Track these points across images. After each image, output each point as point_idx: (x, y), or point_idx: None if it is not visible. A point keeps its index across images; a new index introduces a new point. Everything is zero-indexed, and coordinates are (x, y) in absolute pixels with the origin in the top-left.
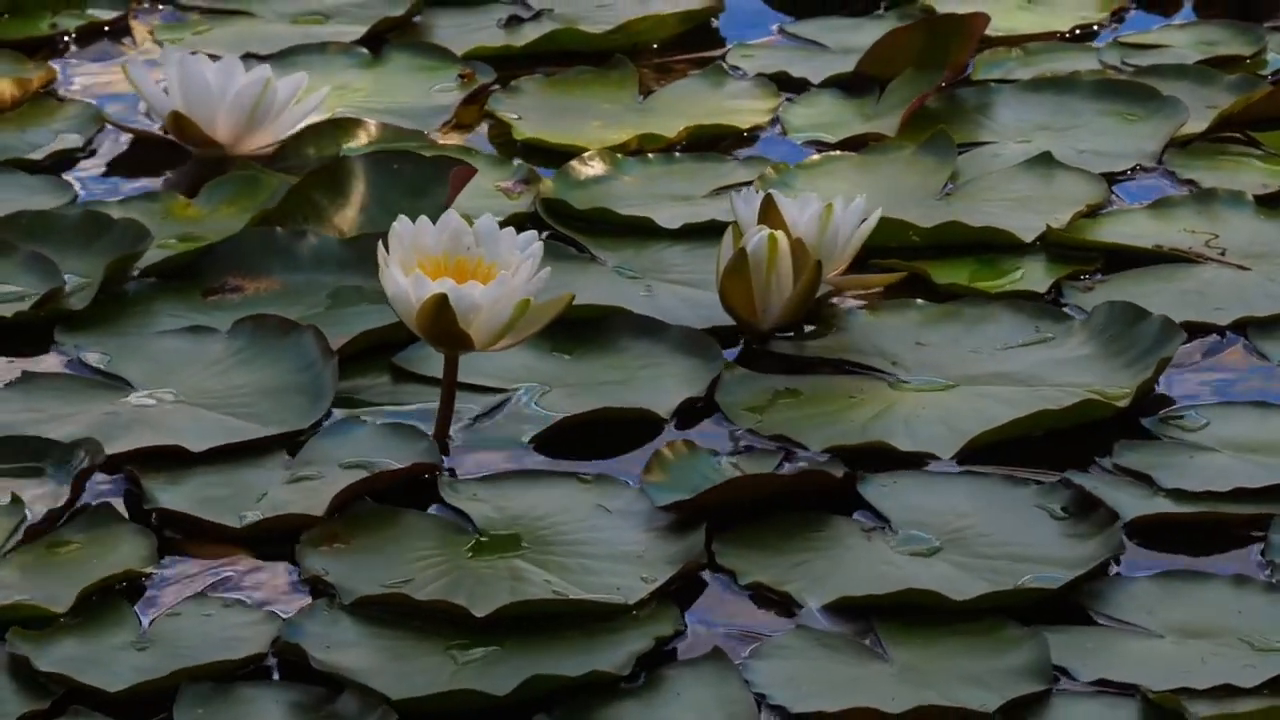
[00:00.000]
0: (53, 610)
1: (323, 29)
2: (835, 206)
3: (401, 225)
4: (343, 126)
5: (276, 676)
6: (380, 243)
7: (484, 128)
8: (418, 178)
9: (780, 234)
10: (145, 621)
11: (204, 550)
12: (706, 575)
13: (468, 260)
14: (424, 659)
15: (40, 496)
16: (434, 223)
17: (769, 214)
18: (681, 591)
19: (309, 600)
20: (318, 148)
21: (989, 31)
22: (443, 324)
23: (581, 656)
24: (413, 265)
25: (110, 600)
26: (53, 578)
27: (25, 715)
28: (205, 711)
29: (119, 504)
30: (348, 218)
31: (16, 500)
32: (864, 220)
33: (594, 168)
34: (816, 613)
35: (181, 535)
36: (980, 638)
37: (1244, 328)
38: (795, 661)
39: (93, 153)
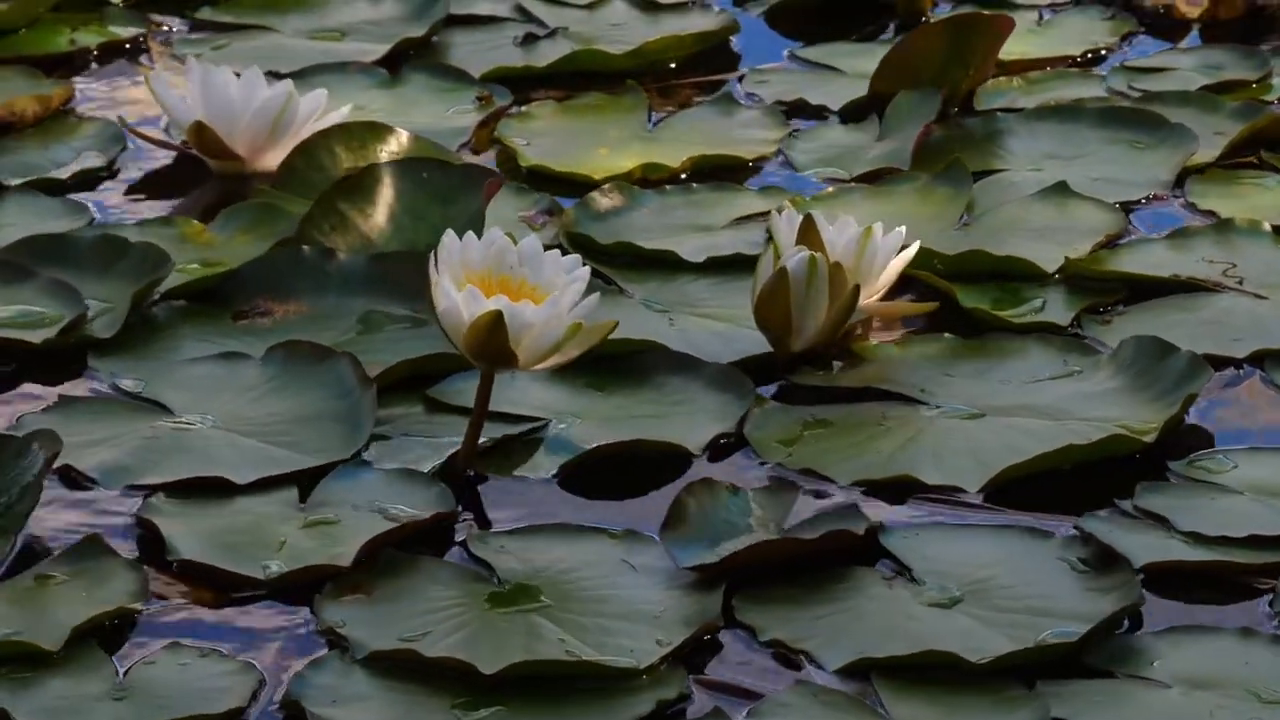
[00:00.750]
0: (42, 648)
1: (341, 46)
2: (875, 231)
3: (450, 240)
4: (359, 135)
5: None
6: (431, 258)
7: (492, 152)
8: (446, 187)
9: (820, 255)
10: (120, 670)
11: (196, 592)
12: (724, 630)
13: (511, 279)
14: (429, 717)
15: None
16: (477, 237)
17: (808, 235)
18: (694, 652)
19: (321, 652)
20: (333, 162)
21: (1000, 56)
22: (493, 341)
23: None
24: (461, 281)
25: (87, 643)
26: (42, 613)
27: None
28: None
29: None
30: (375, 227)
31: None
32: (904, 248)
33: (612, 199)
34: (826, 673)
35: (194, 580)
36: (982, 697)
37: (1261, 360)
38: (794, 719)
39: (115, 173)
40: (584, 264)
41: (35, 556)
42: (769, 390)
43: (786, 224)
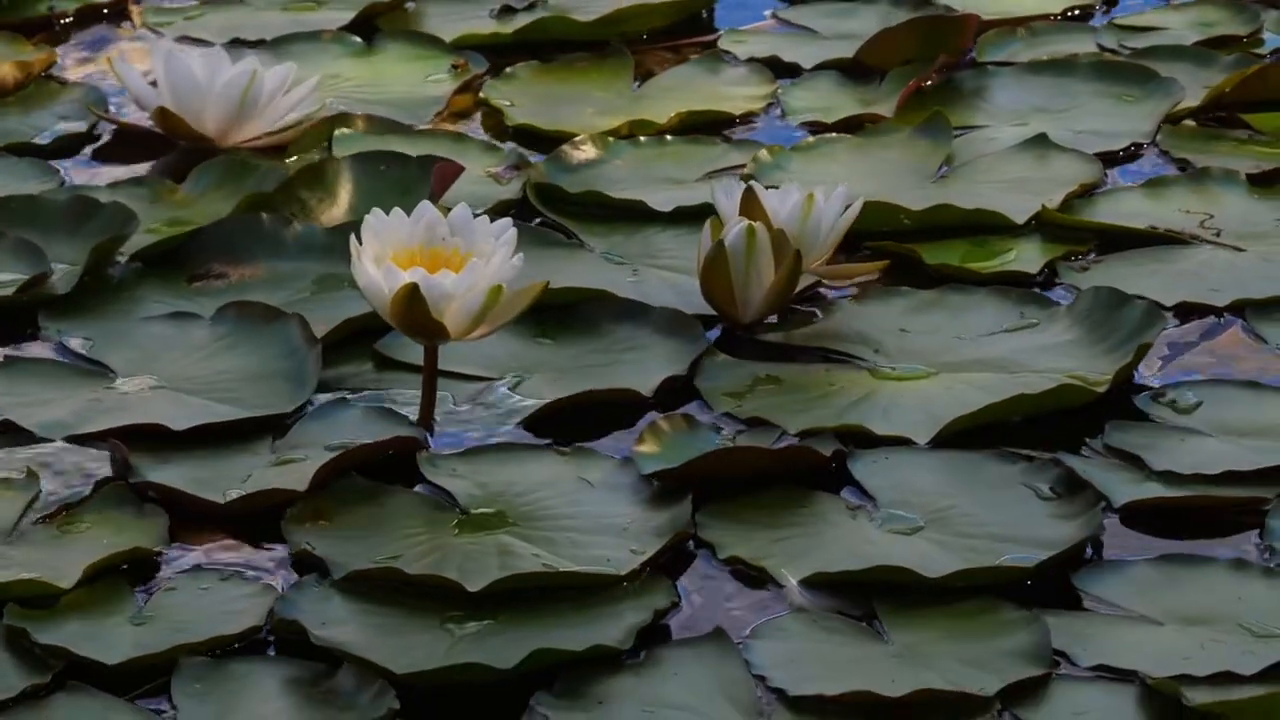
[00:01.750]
0: (58, 586)
1: (314, 15)
2: (816, 196)
3: (374, 217)
4: (335, 123)
5: (273, 651)
6: (352, 235)
7: (478, 116)
8: (405, 177)
9: (759, 225)
10: (143, 598)
11: (196, 532)
12: (692, 548)
13: (443, 251)
14: (419, 634)
15: None
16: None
17: (750, 206)
18: (670, 564)
19: (298, 576)
20: (309, 146)
21: (986, 15)
22: (416, 314)
23: (579, 629)
24: (387, 257)
25: (111, 579)
26: (62, 554)
27: (27, 689)
28: (203, 686)
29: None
30: (334, 216)
31: (32, 474)
32: (847, 208)
33: (586, 151)
34: (799, 590)
35: (171, 514)
36: (980, 621)
37: (1241, 310)
38: (795, 643)
39: (98, 136)
40: (528, 224)
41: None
42: (719, 339)
43: (726, 196)
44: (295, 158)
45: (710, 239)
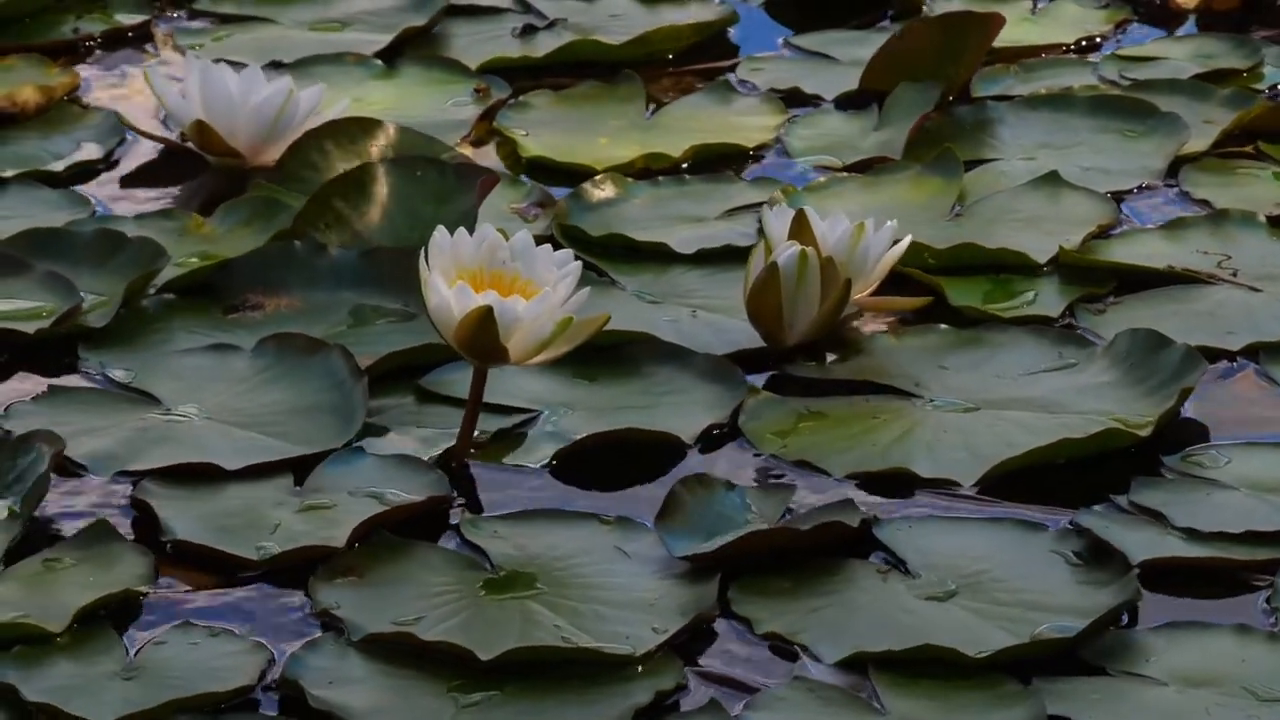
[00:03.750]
0: (48, 629)
1: (342, 36)
2: (867, 226)
3: (441, 236)
4: (355, 131)
5: (274, 709)
6: (421, 255)
7: (493, 144)
8: (441, 185)
9: (811, 250)
10: (132, 647)
11: (201, 576)
12: (720, 621)
13: (503, 274)
14: (425, 700)
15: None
16: (469, 233)
17: (800, 230)
18: (690, 641)
19: (316, 634)
20: (334, 157)
21: (994, 43)
22: (484, 336)
23: (582, 707)
24: (452, 277)
25: (98, 623)
26: (49, 596)
27: None
28: None
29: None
30: (370, 224)
31: (12, 513)
32: (895, 243)
33: (605, 191)
34: (823, 666)
35: (191, 562)
36: (978, 693)
37: (1255, 353)
38: (792, 714)
39: (113, 164)
40: (575, 258)
41: (38, 543)
42: (761, 380)
43: (778, 219)
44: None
45: (762, 260)
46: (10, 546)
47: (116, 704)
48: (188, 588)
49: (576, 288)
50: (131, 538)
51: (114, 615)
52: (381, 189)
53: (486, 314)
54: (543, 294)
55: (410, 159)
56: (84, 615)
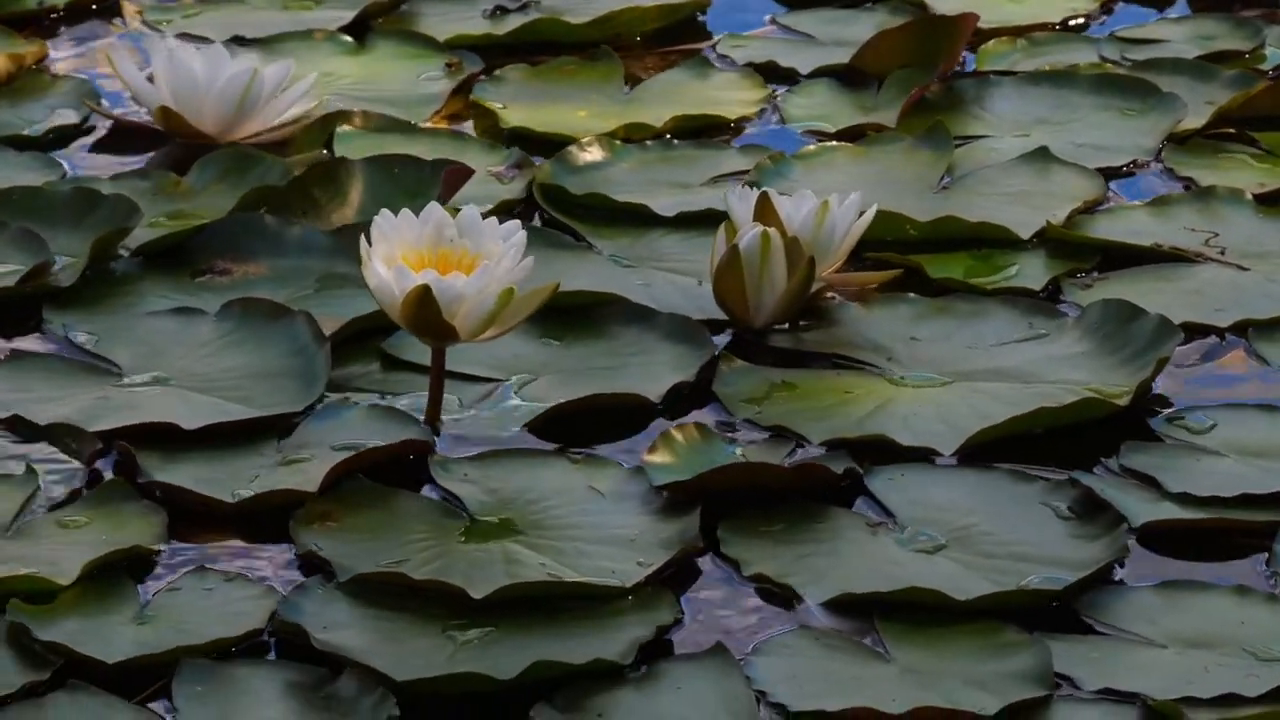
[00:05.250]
0: (57, 583)
1: (313, 15)
2: (831, 203)
3: (383, 218)
4: (333, 120)
5: (274, 655)
6: (362, 236)
7: (470, 118)
8: (416, 179)
9: (773, 231)
10: (146, 596)
11: (200, 531)
12: (705, 562)
13: (451, 252)
14: (421, 640)
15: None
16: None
17: (764, 211)
18: (676, 577)
19: (303, 578)
20: (308, 142)
21: (986, 24)
22: (427, 315)
23: (581, 641)
24: (396, 258)
25: (114, 576)
26: (62, 552)
27: (25, 685)
28: (204, 689)
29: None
30: (344, 215)
31: (31, 471)
32: (860, 215)
33: (592, 153)
34: (814, 608)
35: (176, 512)
36: (982, 640)
37: (1244, 330)
38: (797, 659)
39: (90, 129)
40: (533, 224)
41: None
42: (734, 345)
43: (740, 201)
44: (298, 156)
45: (724, 243)
46: (22, 508)
47: (127, 646)
48: (199, 544)
49: (525, 257)
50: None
51: (130, 568)
52: (357, 184)
53: (426, 292)
54: (483, 267)
55: (387, 156)
56: (94, 569)
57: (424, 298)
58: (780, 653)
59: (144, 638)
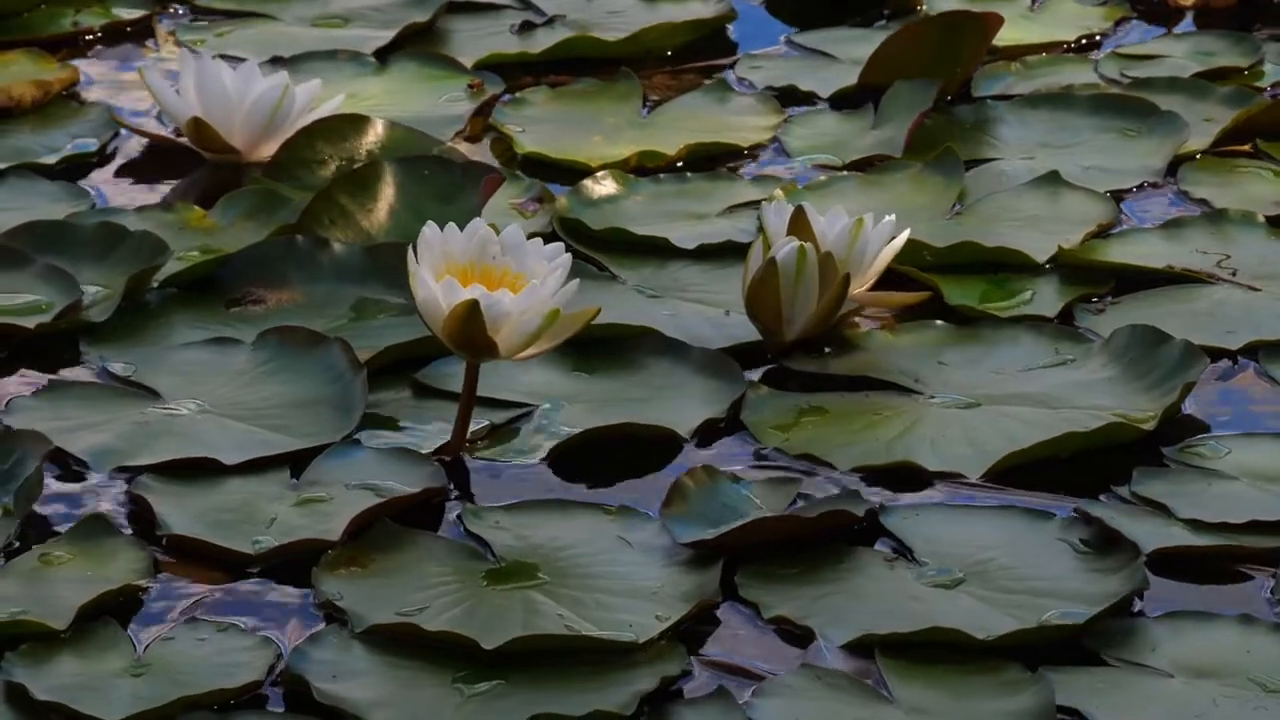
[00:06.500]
0: (51, 627)
1: (344, 33)
2: (866, 221)
3: (431, 231)
4: (351, 129)
5: (280, 705)
6: (410, 249)
7: (488, 141)
8: (447, 183)
9: (809, 246)
10: (139, 642)
11: (199, 570)
12: (728, 607)
13: (494, 269)
14: (430, 690)
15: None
16: (461, 230)
17: (799, 226)
18: (694, 627)
19: (318, 625)
20: (329, 153)
21: (994, 42)
22: (471, 330)
23: (586, 694)
24: (441, 272)
25: (103, 619)
26: (48, 591)
27: None
28: None
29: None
30: (376, 222)
31: (8, 513)
32: (893, 238)
33: (605, 186)
34: (826, 650)
35: (187, 557)
36: (985, 679)
37: (1255, 351)
38: (799, 701)
39: (108, 158)
40: (565, 251)
41: (35, 538)
42: (759, 375)
43: (776, 215)
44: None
45: (760, 256)
46: (6, 544)
47: (126, 701)
48: (186, 582)
49: (567, 280)
50: (129, 532)
51: (117, 611)
52: (388, 187)
53: (473, 308)
54: (530, 287)
55: (418, 158)
56: (85, 612)
57: (470, 313)
58: (783, 694)
59: (141, 691)
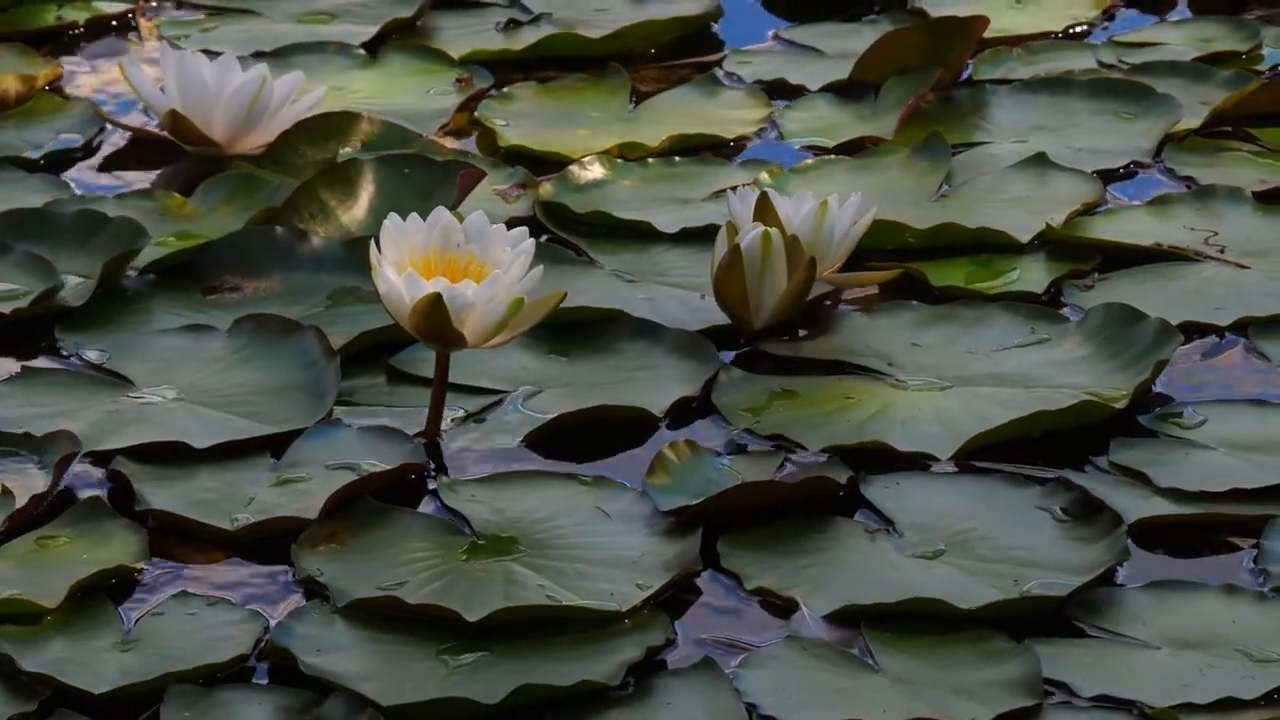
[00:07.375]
0: (42, 605)
1: (329, 28)
2: (831, 204)
3: (392, 223)
4: (337, 123)
5: (265, 679)
6: (372, 242)
7: (474, 135)
8: (427, 180)
9: (774, 231)
10: (129, 621)
11: (192, 551)
12: (709, 579)
13: (458, 258)
14: (415, 663)
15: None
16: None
17: (764, 211)
18: (675, 597)
19: (300, 601)
20: (312, 147)
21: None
22: (437, 323)
23: (572, 664)
24: (405, 264)
25: (95, 599)
26: (43, 573)
27: (14, 718)
28: (192, 714)
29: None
30: (355, 218)
31: (7, 492)
32: (860, 217)
33: (593, 172)
34: (810, 620)
35: (172, 536)
36: (970, 649)
37: (1244, 328)
38: (786, 671)
39: (92, 152)
40: (536, 236)
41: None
42: (734, 357)
43: (740, 202)
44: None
45: (725, 244)
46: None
47: (113, 675)
48: (176, 562)
49: (533, 266)
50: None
51: (110, 590)
52: (368, 184)
53: (436, 301)
54: (493, 276)
55: (398, 156)
56: (79, 590)
57: (434, 306)
58: (769, 664)
59: (129, 665)
